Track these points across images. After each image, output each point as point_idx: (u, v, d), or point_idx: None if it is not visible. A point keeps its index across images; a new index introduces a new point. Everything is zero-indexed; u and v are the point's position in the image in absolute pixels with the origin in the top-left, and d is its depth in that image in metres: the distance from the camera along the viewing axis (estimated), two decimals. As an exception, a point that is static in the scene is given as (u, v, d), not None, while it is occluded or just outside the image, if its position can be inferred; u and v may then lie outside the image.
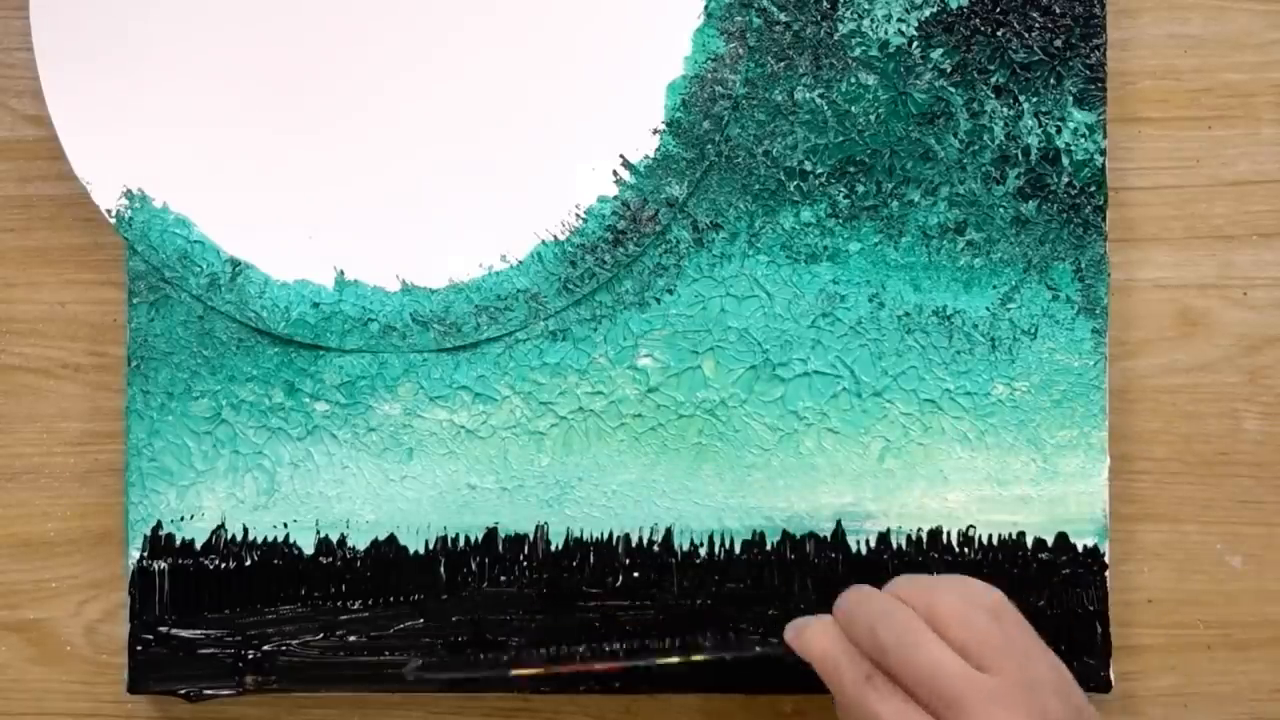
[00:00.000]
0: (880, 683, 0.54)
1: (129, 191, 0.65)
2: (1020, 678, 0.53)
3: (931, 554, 0.64)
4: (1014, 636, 0.54)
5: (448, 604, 0.64)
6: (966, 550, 0.64)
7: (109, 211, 0.65)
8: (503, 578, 0.64)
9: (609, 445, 0.65)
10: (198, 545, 0.65)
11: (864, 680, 0.54)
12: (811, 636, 0.56)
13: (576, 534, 0.65)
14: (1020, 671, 0.53)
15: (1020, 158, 0.65)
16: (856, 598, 0.56)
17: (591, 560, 0.64)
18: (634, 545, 0.64)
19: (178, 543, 0.65)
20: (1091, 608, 0.64)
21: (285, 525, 0.65)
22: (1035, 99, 0.65)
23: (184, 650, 0.64)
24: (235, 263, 0.65)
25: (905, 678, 0.53)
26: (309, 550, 0.65)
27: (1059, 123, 0.65)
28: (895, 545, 0.64)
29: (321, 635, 0.64)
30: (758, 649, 0.62)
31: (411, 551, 0.65)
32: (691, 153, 0.65)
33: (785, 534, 0.64)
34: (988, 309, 0.65)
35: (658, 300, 0.65)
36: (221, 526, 0.65)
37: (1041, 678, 0.54)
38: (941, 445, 0.65)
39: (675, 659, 0.62)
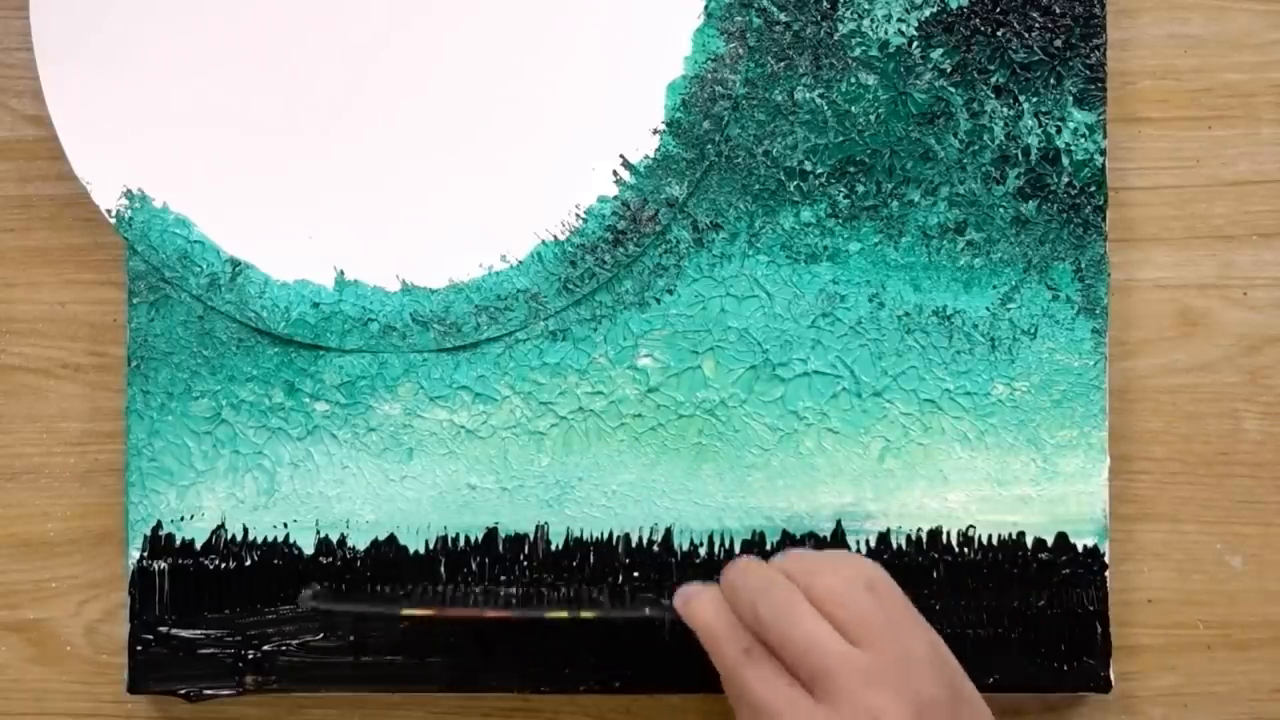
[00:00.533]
0: (758, 655, 0.54)
1: (129, 191, 0.65)
2: (894, 656, 0.53)
3: (931, 554, 0.64)
4: (892, 614, 0.55)
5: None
6: (966, 550, 0.64)
7: (109, 211, 0.65)
8: (503, 577, 0.64)
9: (609, 445, 0.65)
10: (198, 545, 0.65)
11: (742, 653, 0.55)
12: (697, 606, 0.57)
13: (576, 534, 0.65)
14: (895, 650, 0.54)
15: (1020, 158, 0.65)
16: (741, 569, 0.57)
17: (591, 560, 0.64)
18: (634, 545, 0.64)
19: (178, 543, 0.65)
20: (1091, 608, 0.64)
21: (285, 525, 0.65)
22: (1035, 99, 0.65)
23: (184, 650, 0.64)
24: (235, 263, 0.65)
25: (782, 652, 0.54)
26: (309, 550, 0.65)
27: (1059, 123, 0.65)
28: (895, 545, 0.64)
29: (321, 635, 0.64)
30: (647, 610, 0.63)
31: (411, 551, 0.65)
32: (691, 153, 0.65)
33: (785, 534, 0.64)
34: (988, 309, 0.65)
35: (658, 300, 0.65)
36: (221, 526, 0.65)
37: (917, 657, 0.54)
38: (941, 445, 0.65)
39: (564, 613, 0.63)
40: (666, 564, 0.64)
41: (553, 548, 0.65)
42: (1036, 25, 0.65)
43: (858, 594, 0.55)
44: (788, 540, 0.64)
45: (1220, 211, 0.67)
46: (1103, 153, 0.65)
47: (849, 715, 0.52)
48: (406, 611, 0.63)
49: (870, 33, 0.65)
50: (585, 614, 0.62)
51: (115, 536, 0.66)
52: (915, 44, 0.65)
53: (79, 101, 0.65)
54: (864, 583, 0.55)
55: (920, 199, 0.65)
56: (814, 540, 0.64)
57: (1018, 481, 0.65)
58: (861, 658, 0.53)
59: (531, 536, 0.65)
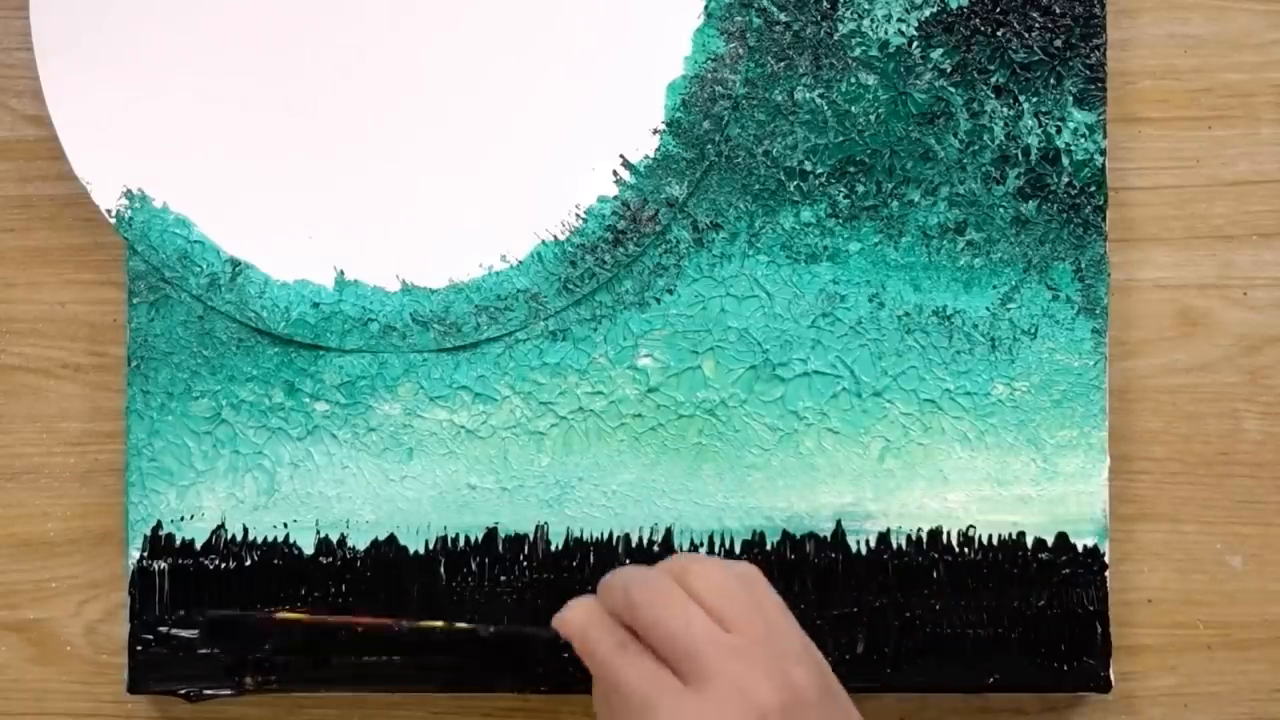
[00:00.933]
0: (631, 648, 0.54)
1: (129, 191, 0.65)
2: (765, 640, 0.53)
3: (931, 554, 0.64)
4: (764, 605, 0.55)
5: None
6: (966, 550, 0.64)
7: (109, 211, 0.65)
8: (503, 578, 0.64)
9: (609, 445, 0.65)
10: (198, 545, 0.65)
11: (616, 647, 0.54)
12: (569, 612, 0.56)
13: (576, 534, 0.65)
14: (766, 635, 0.54)
15: (1020, 158, 0.65)
16: (615, 570, 0.56)
17: (591, 560, 0.64)
18: (634, 545, 0.64)
19: (178, 543, 0.65)
20: (1091, 608, 0.64)
21: (285, 525, 0.65)
22: (1035, 99, 0.65)
23: (184, 650, 0.64)
24: (235, 263, 0.65)
25: (654, 637, 0.53)
26: (309, 550, 0.65)
27: (1059, 123, 0.65)
28: (895, 545, 0.64)
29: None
30: (526, 628, 0.62)
31: (411, 551, 0.65)
32: (691, 153, 0.65)
33: (785, 534, 0.64)
34: (988, 309, 0.65)
35: (658, 300, 0.65)
36: (221, 526, 0.65)
37: (789, 646, 0.54)
38: (941, 445, 0.65)
39: (438, 623, 0.62)
40: (666, 564, 0.64)
41: (553, 548, 0.65)
42: (1036, 25, 0.65)
43: (732, 585, 0.55)
44: (788, 540, 0.64)
45: (1220, 211, 0.67)
46: (1103, 153, 0.65)
47: (719, 695, 0.52)
48: (280, 616, 0.62)
49: (870, 33, 0.65)
50: (459, 625, 0.62)
51: (115, 536, 0.66)
52: (915, 44, 0.65)
53: (79, 101, 0.65)
54: (740, 578, 0.55)
55: (920, 199, 0.65)
56: (814, 540, 0.64)
57: (1018, 481, 0.65)
58: (731, 639, 0.53)
59: (531, 536, 0.65)
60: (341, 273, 0.65)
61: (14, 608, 0.67)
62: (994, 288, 0.65)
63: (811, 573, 0.64)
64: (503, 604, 0.64)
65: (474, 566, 0.64)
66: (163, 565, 0.65)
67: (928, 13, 0.65)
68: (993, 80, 0.65)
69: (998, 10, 0.65)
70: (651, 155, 0.65)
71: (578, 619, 0.55)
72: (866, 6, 0.65)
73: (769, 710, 0.52)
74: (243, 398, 0.65)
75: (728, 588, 0.54)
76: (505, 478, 0.65)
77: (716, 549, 0.64)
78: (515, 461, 0.65)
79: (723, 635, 0.53)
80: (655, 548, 0.64)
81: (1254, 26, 0.67)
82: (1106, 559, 0.64)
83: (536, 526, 0.65)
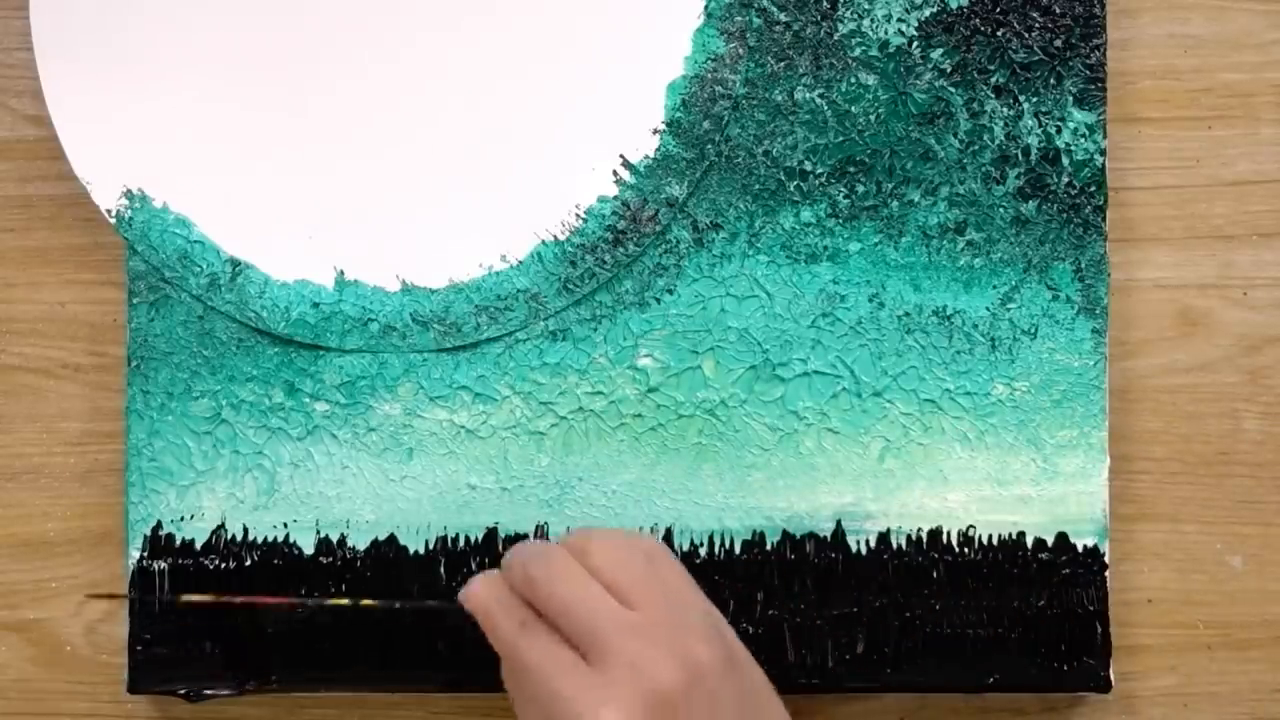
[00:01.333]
0: (534, 627, 0.53)
1: (129, 191, 0.65)
2: (666, 616, 0.53)
3: (931, 554, 0.64)
4: (666, 578, 0.54)
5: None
6: (966, 550, 0.64)
7: (109, 211, 0.65)
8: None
9: (609, 445, 0.65)
10: (198, 545, 0.65)
11: (518, 626, 0.53)
12: (472, 587, 0.55)
13: (576, 534, 0.65)
14: (667, 610, 0.53)
15: (1020, 158, 0.65)
16: (518, 546, 0.56)
17: (591, 560, 0.64)
18: (634, 545, 0.64)
19: (178, 543, 0.65)
20: (1091, 608, 0.64)
21: (285, 525, 0.65)
22: (1035, 99, 0.65)
23: (184, 650, 0.64)
24: (235, 263, 0.65)
25: (552, 612, 0.53)
26: (309, 550, 0.65)
27: (1059, 123, 0.65)
28: (895, 545, 0.64)
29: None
30: (429, 601, 0.62)
31: (411, 551, 0.65)
32: (691, 153, 0.65)
33: (785, 534, 0.64)
34: (988, 309, 0.65)
35: (658, 300, 0.65)
36: (221, 527, 0.65)
37: (690, 621, 0.54)
38: (941, 445, 0.65)
39: (345, 600, 0.62)
40: (666, 564, 0.64)
41: (553, 548, 0.64)
42: (1036, 25, 0.65)
43: (633, 560, 0.54)
44: (788, 540, 0.64)
45: (1220, 211, 0.67)
46: (1103, 153, 0.65)
47: (620, 672, 0.51)
48: (186, 598, 0.62)
49: (870, 33, 0.65)
50: (366, 602, 0.62)
51: (115, 536, 0.66)
52: (915, 44, 0.65)
53: (79, 101, 0.65)
54: (641, 552, 0.55)
55: (920, 199, 0.65)
56: (814, 540, 0.64)
57: (1018, 481, 0.65)
58: (633, 616, 0.52)
59: (531, 536, 0.65)
60: (341, 273, 0.65)
61: (14, 608, 0.67)
62: (994, 288, 0.65)
63: (811, 573, 0.64)
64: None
65: (474, 566, 0.64)
66: (163, 565, 0.65)
67: (928, 13, 0.65)
68: (993, 80, 0.65)
69: (998, 10, 0.65)
70: (651, 155, 0.65)
71: (481, 595, 0.55)
72: (866, 6, 0.65)
73: (670, 689, 0.51)
74: (243, 398, 0.65)
75: (628, 563, 0.54)
76: (505, 478, 0.65)
77: (716, 549, 0.64)
78: (515, 461, 0.65)
79: (623, 612, 0.53)
80: (655, 548, 0.64)
81: (1254, 26, 0.67)
82: (1106, 559, 0.64)
83: (536, 526, 0.65)
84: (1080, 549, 0.64)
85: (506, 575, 0.55)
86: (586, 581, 0.53)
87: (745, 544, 0.64)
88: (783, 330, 0.65)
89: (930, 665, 0.64)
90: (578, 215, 0.65)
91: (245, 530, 0.65)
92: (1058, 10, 0.65)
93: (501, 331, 0.65)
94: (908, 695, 0.65)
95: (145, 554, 0.65)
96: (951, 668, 0.64)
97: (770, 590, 0.64)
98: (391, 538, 0.65)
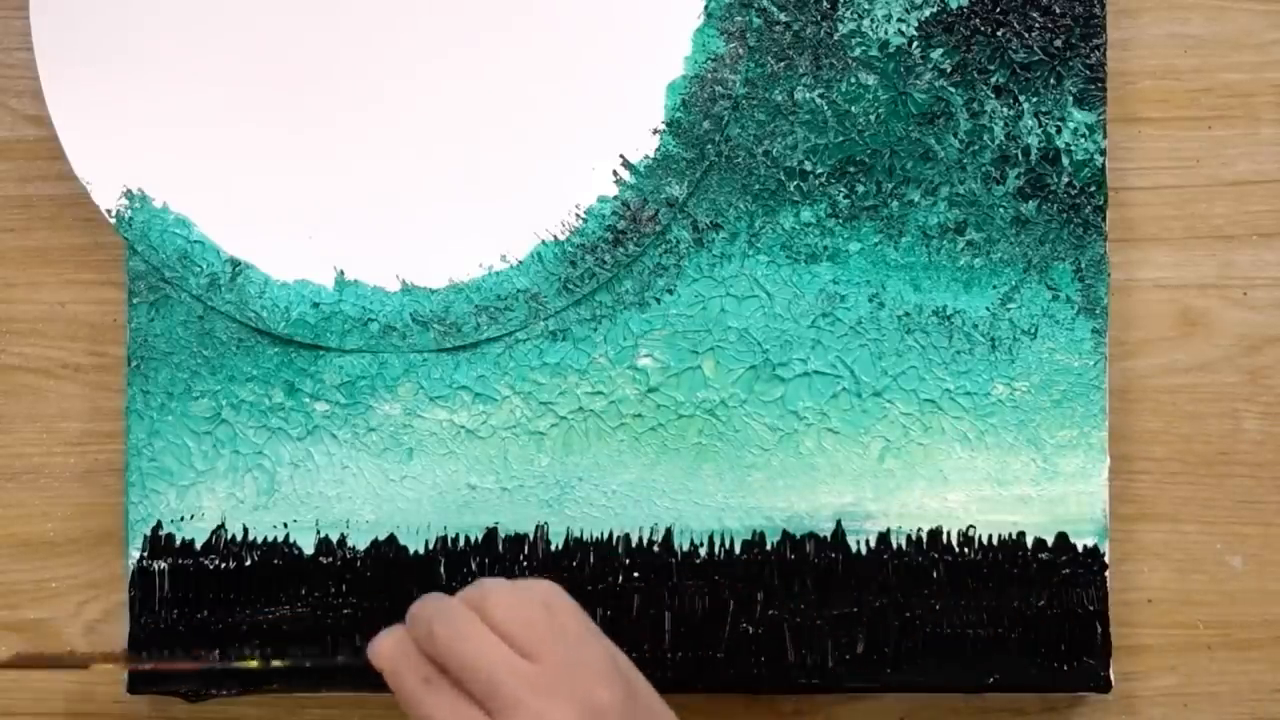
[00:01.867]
0: (438, 684, 0.54)
1: (129, 191, 0.65)
2: (564, 664, 0.53)
3: (931, 554, 0.64)
4: (564, 625, 0.55)
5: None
6: (966, 550, 0.64)
7: (109, 211, 0.65)
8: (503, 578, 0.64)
9: (609, 445, 0.65)
10: (198, 545, 0.65)
11: (422, 682, 0.54)
12: (379, 644, 0.55)
13: (576, 534, 0.65)
14: (565, 658, 0.54)
15: (1020, 158, 0.65)
16: (421, 601, 0.56)
17: (591, 560, 0.64)
18: (634, 545, 0.64)
19: (178, 543, 0.65)
20: (1091, 608, 0.64)
21: (285, 525, 0.65)
22: (1035, 99, 0.65)
23: (184, 650, 0.64)
24: (235, 263, 0.65)
25: (455, 670, 0.53)
26: (309, 550, 0.65)
27: (1059, 123, 0.65)
28: (895, 545, 0.64)
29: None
30: (339, 659, 0.62)
31: (411, 551, 0.65)
32: (691, 153, 0.65)
33: (785, 534, 0.64)
34: (988, 309, 0.65)
35: (658, 300, 0.65)
36: (221, 526, 0.65)
37: (589, 665, 0.54)
38: (941, 445, 0.65)
39: (254, 663, 0.62)
40: (666, 564, 0.64)
41: (553, 548, 0.65)
42: (1036, 25, 0.65)
43: (528, 607, 0.54)
44: (788, 540, 0.64)
45: (1220, 211, 0.67)
46: (1103, 153, 0.65)
47: None
48: (99, 666, 0.62)
49: (870, 33, 0.65)
50: (277, 663, 0.62)
51: (115, 536, 0.66)
52: (915, 44, 0.65)
53: (79, 101, 0.65)
54: (539, 601, 0.55)
55: (920, 199, 0.65)
56: (814, 540, 0.64)
57: (1018, 481, 0.65)
58: (529, 668, 0.53)
59: (531, 536, 0.65)
60: (341, 273, 0.65)
61: (14, 608, 0.67)
62: (994, 288, 0.65)
63: (811, 573, 0.64)
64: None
65: (474, 566, 0.64)
66: (163, 565, 0.65)
67: (928, 13, 0.65)
68: (993, 80, 0.65)
69: (998, 10, 0.65)
70: (651, 155, 0.65)
71: (386, 652, 0.55)
72: (866, 6, 0.65)
73: None
74: (243, 398, 0.65)
75: (526, 614, 0.54)
76: (505, 478, 0.65)
77: (716, 549, 0.64)
78: (515, 461, 0.65)
79: (522, 665, 0.53)
80: (655, 548, 0.64)
81: (1254, 26, 0.67)
82: (1106, 559, 0.64)
83: (536, 526, 0.65)
84: (1080, 549, 0.64)
85: (411, 631, 0.55)
86: (486, 637, 0.54)
87: (745, 544, 0.64)
88: (783, 330, 0.65)
89: (930, 665, 0.64)
90: (578, 215, 0.65)
91: (245, 530, 0.65)
92: (1058, 10, 0.65)
93: (501, 331, 0.65)
94: (908, 695, 0.65)
95: (145, 554, 0.65)
96: (951, 668, 0.64)
97: (770, 590, 0.64)
98: (391, 538, 0.65)
